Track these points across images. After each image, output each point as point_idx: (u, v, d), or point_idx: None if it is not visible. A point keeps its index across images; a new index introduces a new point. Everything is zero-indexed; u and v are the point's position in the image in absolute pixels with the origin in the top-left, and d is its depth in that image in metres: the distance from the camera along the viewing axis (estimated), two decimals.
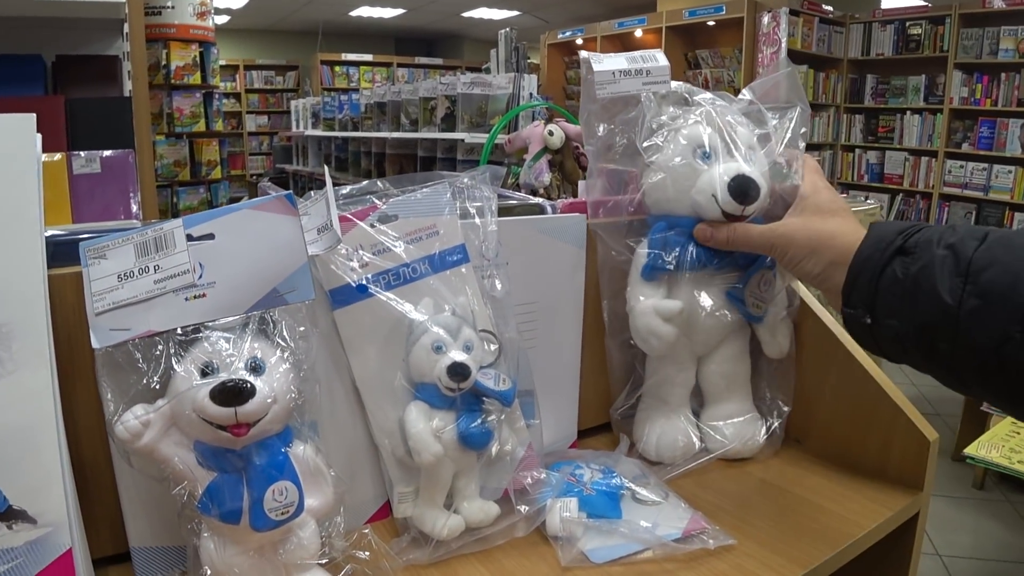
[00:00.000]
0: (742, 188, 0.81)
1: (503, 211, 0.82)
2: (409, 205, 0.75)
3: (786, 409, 0.95)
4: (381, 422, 0.75)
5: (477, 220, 0.77)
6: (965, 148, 5.99)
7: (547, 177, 2.83)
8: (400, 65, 11.09)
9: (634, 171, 0.89)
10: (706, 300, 0.87)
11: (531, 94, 3.89)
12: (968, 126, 5.98)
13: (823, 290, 0.75)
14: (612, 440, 0.97)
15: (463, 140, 4.00)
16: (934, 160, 6.15)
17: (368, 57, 10.97)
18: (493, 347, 0.74)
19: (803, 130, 0.90)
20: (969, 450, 2.71)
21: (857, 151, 6.66)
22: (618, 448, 0.91)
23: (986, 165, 5.84)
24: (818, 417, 0.96)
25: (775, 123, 0.90)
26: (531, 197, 0.88)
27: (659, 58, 0.87)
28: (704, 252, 0.85)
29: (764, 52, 5.86)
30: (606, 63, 0.85)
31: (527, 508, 0.75)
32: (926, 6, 6.43)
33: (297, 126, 7.28)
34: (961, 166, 5.99)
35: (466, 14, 10.02)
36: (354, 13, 10.13)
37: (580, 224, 0.88)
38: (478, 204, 0.77)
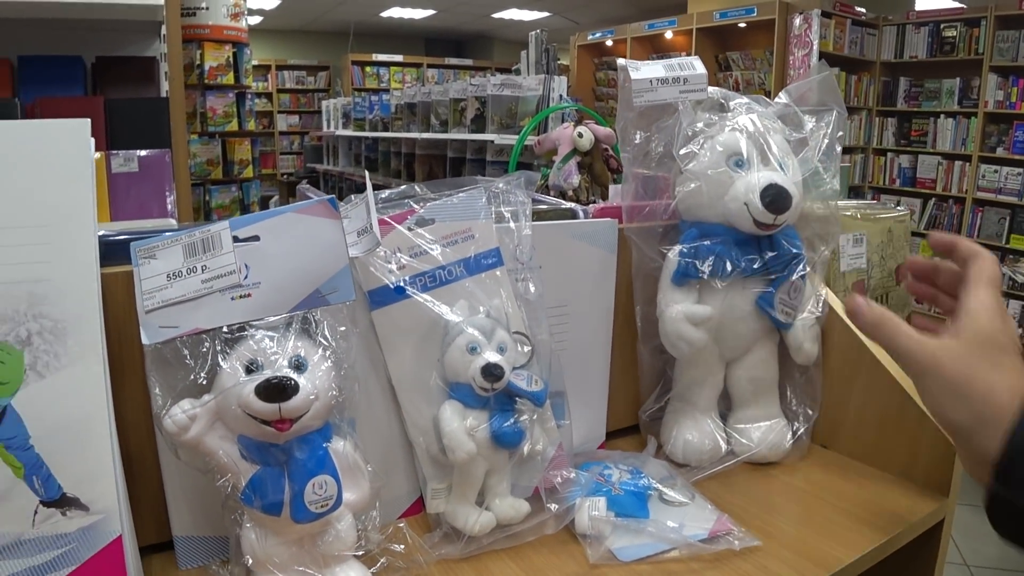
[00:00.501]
0: (774, 198, 0.82)
1: (536, 215, 0.84)
2: (446, 209, 0.77)
3: (812, 415, 0.95)
4: (416, 420, 0.77)
5: (511, 224, 0.79)
6: (1000, 152, 5.89)
7: (576, 179, 2.84)
8: (430, 66, 11.15)
9: (667, 176, 0.91)
10: (736, 306, 0.89)
11: (561, 96, 3.90)
12: (1003, 130, 5.88)
13: (955, 440, 0.65)
14: (639, 442, 0.98)
15: (492, 141, 4.02)
16: (968, 164, 6.05)
17: (398, 58, 11.04)
18: (526, 349, 0.76)
19: (839, 134, 0.91)
20: None
21: (889, 155, 6.58)
22: (646, 449, 0.92)
23: (1021, 170, 5.73)
24: (845, 423, 0.97)
25: (811, 126, 0.91)
26: (563, 202, 0.90)
27: (696, 66, 0.88)
28: (734, 259, 0.86)
29: (795, 54, 5.81)
30: (644, 71, 0.87)
31: (557, 506, 0.77)
32: (961, 8, 6.33)
33: (328, 126, 7.34)
34: (995, 171, 5.89)
35: (496, 15, 10.05)
36: (385, 14, 10.19)
37: (611, 229, 0.89)
38: (512, 208, 0.79)
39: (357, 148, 6.52)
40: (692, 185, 0.85)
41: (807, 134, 0.90)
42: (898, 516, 0.84)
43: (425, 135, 4.84)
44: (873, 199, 6.60)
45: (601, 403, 0.95)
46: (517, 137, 3.34)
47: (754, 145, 0.85)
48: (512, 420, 0.73)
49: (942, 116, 6.21)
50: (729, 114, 0.89)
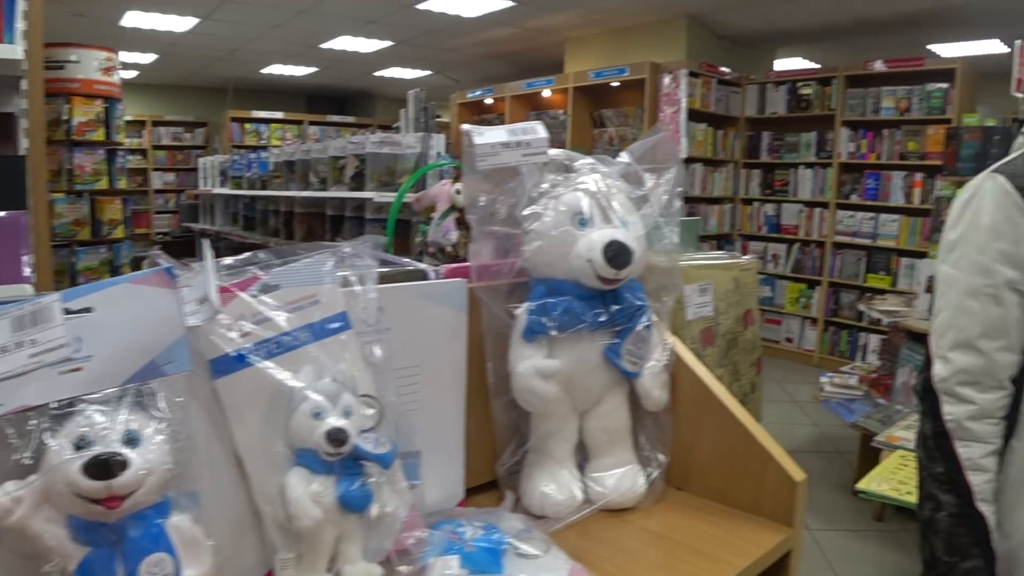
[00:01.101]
0: (616, 254, 0.86)
1: (386, 277, 0.85)
2: (291, 275, 0.77)
3: (664, 459, 0.99)
4: (263, 489, 0.75)
5: (358, 288, 0.79)
6: (854, 199, 6.35)
7: (455, 235, 2.87)
8: (312, 123, 11.07)
9: (518, 233, 0.94)
10: (585, 359, 0.92)
11: (439, 153, 3.95)
12: (856, 178, 6.35)
13: None
14: (501, 496, 0.99)
15: (371, 199, 4.01)
16: (826, 211, 6.49)
17: (279, 114, 10.91)
18: (373, 411, 0.76)
19: (679, 189, 0.97)
20: (861, 484, 2.82)
21: (755, 204, 6.98)
22: (503, 504, 0.93)
23: (873, 214, 6.20)
24: (696, 465, 1.01)
25: (652, 184, 0.96)
26: (414, 263, 0.92)
27: (538, 130, 0.92)
28: (580, 313, 0.89)
29: (665, 111, 6.11)
30: (487, 136, 0.90)
31: (408, 568, 0.76)
32: (815, 68, 6.85)
33: (204, 184, 7.17)
34: (851, 216, 6.35)
35: (378, 73, 10.11)
36: (265, 71, 10.10)
37: (461, 289, 0.91)
38: (359, 272, 0.80)
39: (235, 207, 6.37)
40: (536, 244, 0.89)
41: (648, 191, 0.95)
42: (747, 550, 0.88)
43: (304, 193, 4.79)
44: (743, 246, 6.95)
45: (458, 461, 0.95)
46: (396, 194, 3.35)
47: (596, 204, 0.89)
48: (359, 483, 0.73)
49: (801, 167, 6.65)
50: (574, 175, 0.93)
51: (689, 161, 6.25)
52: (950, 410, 1.24)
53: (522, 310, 0.90)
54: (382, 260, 0.86)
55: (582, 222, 0.88)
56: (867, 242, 6.25)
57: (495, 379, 0.94)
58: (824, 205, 6.52)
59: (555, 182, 0.91)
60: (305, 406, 0.72)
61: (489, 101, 7.93)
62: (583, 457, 0.99)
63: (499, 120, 7.81)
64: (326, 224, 4.61)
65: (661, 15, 6.73)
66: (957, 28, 6.75)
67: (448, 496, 0.95)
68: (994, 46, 7.06)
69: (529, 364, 0.88)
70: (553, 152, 0.94)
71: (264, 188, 5.68)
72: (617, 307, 0.91)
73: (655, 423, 1.00)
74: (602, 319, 0.90)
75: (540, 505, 0.93)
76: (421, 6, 6.60)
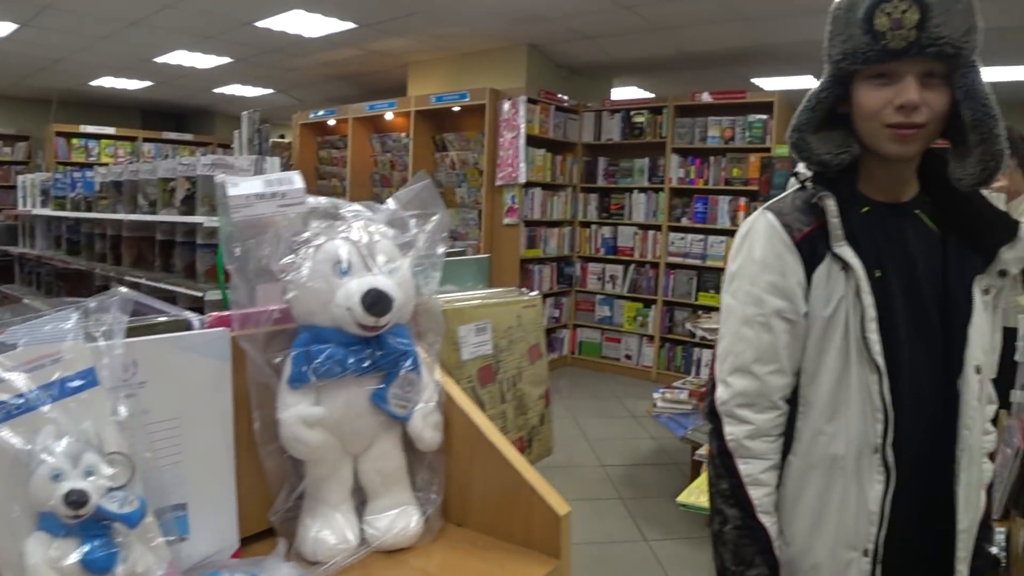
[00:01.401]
0: (375, 301, 0.89)
1: (144, 329, 0.85)
2: (30, 333, 0.75)
3: (437, 498, 1.03)
4: (5, 556, 0.73)
5: (105, 343, 0.78)
6: (684, 222, 6.73)
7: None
8: (147, 139, 10.54)
9: (280, 281, 0.95)
10: (353, 404, 0.94)
11: None
12: (686, 203, 6.73)
13: None
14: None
15: (203, 224, 3.88)
16: (659, 233, 6.84)
17: (111, 130, 10.32)
18: (122, 469, 0.75)
19: (443, 234, 1.01)
20: (681, 498, 2.99)
21: (593, 226, 7.26)
22: (274, 551, 0.93)
23: (703, 236, 6.60)
24: (473, 501, 1.05)
25: (417, 229, 1.00)
26: (182, 312, 0.91)
27: (295, 181, 0.94)
28: (344, 359, 0.92)
29: (505, 136, 6.26)
30: (242, 187, 0.91)
31: None
32: (648, 97, 7.22)
33: (24, 204, 6.68)
34: (682, 238, 6.72)
35: (217, 90, 9.77)
36: (95, 83, 9.54)
37: (223, 339, 0.91)
38: (107, 327, 0.79)
39: (58, 229, 5.97)
40: (294, 294, 0.91)
41: (413, 236, 0.99)
42: None
43: (132, 216, 4.56)
44: (582, 268, 7.21)
45: (229, 511, 0.94)
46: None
47: (357, 251, 0.92)
48: (102, 544, 0.72)
49: (636, 191, 6.98)
50: (338, 222, 0.95)
51: (529, 185, 6.43)
52: (731, 430, 1.34)
53: (287, 357, 0.91)
54: (151, 309, 0.86)
55: (342, 271, 0.91)
56: (697, 263, 6.64)
57: (261, 426, 0.95)
58: (657, 228, 6.87)
59: (317, 230, 0.94)
60: (42, 469, 0.71)
61: (332, 122, 7.85)
62: (362, 500, 1.01)
63: (341, 142, 7.75)
64: (156, 249, 4.41)
65: (502, 43, 6.91)
66: (775, 64, 7.30)
67: (222, 547, 0.94)
68: (808, 82, 7.68)
69: (293, 412, 0.90)
70: (316, 200, 0.96)
71: (90, 210, 5.36)
72: (381, 352, 0.93)
73: (429, 463, 1.03)
74: (366, 365, 0.93)
75: (313, 550, 0.94)
76: (260, 24, 6.47)
